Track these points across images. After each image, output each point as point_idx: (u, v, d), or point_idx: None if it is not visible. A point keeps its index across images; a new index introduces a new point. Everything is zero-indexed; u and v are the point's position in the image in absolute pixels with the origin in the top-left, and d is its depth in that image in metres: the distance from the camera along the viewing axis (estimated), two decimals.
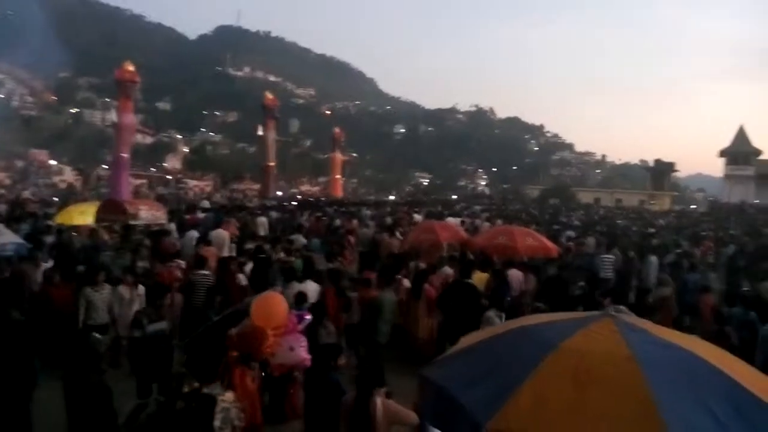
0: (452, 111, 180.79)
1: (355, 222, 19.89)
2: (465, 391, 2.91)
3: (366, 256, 13.88)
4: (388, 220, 21.80)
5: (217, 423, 5.03)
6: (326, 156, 68.37)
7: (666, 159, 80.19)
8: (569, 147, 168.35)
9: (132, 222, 14.91)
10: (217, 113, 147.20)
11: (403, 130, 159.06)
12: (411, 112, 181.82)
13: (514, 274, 10.78)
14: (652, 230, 25.34)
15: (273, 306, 5.89)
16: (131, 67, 31.96)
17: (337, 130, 58.30)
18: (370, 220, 21.82)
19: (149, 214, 15.79)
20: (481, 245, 12.94)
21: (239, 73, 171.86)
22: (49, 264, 9.83)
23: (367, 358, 7.17)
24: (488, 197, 67.63)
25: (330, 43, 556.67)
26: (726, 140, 65.22)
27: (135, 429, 6.42)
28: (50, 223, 15.75)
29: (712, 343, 3.57)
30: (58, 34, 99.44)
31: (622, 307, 8.34)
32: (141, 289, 8.70)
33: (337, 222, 19.95)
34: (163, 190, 46.54)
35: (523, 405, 2.66)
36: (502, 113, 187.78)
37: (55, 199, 32.10)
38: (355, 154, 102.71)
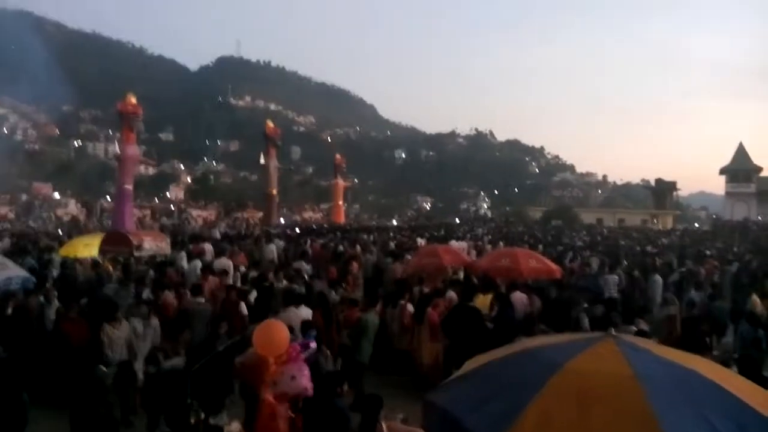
0: (452, 135, 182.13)
1: (358, 248, 19.91)
2: (470, 414, 2.92)
3: (370, 282, 13.89)
4: (391, 245, 21.81)
5: None
6: (328, 182, 68.55)
7: (667, 178, 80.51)
8: (570, 168, 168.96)
9: (136, 253, 14.96)
10: (219, 143, 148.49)
11: (404, 155, 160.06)
12: (411, 137, 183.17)
13: (518, 297, 10.77)
14: (655, 250, 25.30)
15: (274, 334, 5.88)
16: (133, 99, 32.23)
17: (338, 156, 58.51)
18: (373, 245, 21.83)
19: (153, 244, 15.84)
20: (484, 268, 12.93)
21: (240, 103, 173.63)
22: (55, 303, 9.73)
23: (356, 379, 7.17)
24: (491, 220, 67.56)
25: (329, 70, 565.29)
26: (726, 158, 65.44)
27: None
28: (54, 256, 15.79)
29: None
30: (60, 68, 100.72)
31: (632, 327, 8.39)
32: (155, 321, 8.57)
33: (341, 248, 19.97)
34: (167, 221, 46.54)
35: (529, 426, 2.67)
36: (501, 136, 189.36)
37: (60, 232, 32.15)
38: (356, 180, 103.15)
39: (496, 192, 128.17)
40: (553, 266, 13.00)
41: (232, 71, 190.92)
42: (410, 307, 10.10)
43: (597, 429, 2.61)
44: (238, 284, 12.39)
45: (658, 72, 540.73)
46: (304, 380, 6.03)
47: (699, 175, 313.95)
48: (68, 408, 5.89)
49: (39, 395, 7.05)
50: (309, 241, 22.56)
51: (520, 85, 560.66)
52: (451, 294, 10.72)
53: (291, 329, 6.69)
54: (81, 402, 5.77)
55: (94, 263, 14.03)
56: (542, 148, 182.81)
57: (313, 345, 6.93)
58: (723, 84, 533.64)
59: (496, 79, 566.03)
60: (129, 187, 31.99)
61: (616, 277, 14.18)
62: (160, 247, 16.08)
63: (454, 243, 20.73)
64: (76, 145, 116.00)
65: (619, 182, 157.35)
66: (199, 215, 59.39)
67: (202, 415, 5.56)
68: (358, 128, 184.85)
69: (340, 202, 57.00)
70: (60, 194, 76.27)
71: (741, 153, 64.33)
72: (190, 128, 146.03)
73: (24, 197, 71.51)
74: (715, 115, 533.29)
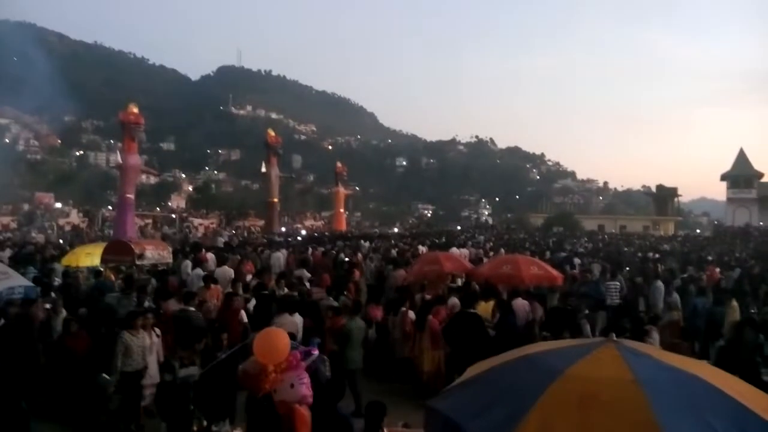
0: (453, 142, 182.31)
1: (359, 255, 19.91)
2: (472, 421, 2.92)
3: (372, 289, 13.88)
4: (393, 252, 21.82)
5: None
6: (329, 190, 68.68)
7: (668, 184, 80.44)
8: (571, 175, 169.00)
9: (138, 262, 14.98)
10: (220, 152, 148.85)
11: (404, 163, 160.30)
12: (412, 145, 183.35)
13: (520, 304, 10.75)
14: (657, 256, 25.28)
15: (275, 341, 5.87)
16: (135, 109, 32.39)
17: (339, 164, 58.69)
18: (373, 253, 21.84)
19: (155, 253, 15.88)
20: (485, 275, 12.92)
21: (241, 112, 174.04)
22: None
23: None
24: (492, 227, 67.54)
25: (330, 79, 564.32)
26: (727, 164, 65.49)
27: None
28: (56, 265, 15.80)
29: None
30: (62, 78, 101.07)
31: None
32: (158, 330, 8.42)
33: (342, 256, 19.98)
34: (168, 230, 46.55)
35: None
36: (502, 143, 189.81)
37: (61, 241, 32.17)
38: (357, 188, 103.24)
39: (497, 199, 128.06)
40: (555, 273, 13.00)
41: (233, 80, 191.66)
42: (412, 315, 10.10)
43: None
44: (247, 292, 12.35)
45: (658, 78, 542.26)
46: (304, 388, 6.00)
47: (700, 182, 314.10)
48: (71, 420, 5.87)
49: (42, 407, 7.02)
50: (310, 249, 22.59)
51: (520, 93, 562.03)
52: (454, 301, 10.72)
53: (293, 336, 6.69)
54: (83, 410, 5.76)
55: (96, 272, 14.03)
56: (543, 155, 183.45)
57: (316, 352, 6.92)
58: (723, 90, 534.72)
59: (496, 86, 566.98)
60: (131, 196, 32.09)
61: (618, 283, 14.16)
62: (162, 255, 16.12)
63: (455, 250, 20.73)
64: (78, 155, 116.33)
65: (620, 189, 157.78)
66: (200, 224, 59.35)
67: (205, 423, 5.56)
68: (359, 136, 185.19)
69: (342, 210, 57.11)
70: (62, 204, 76.36)
71: (742, 159, 64.42)
72: (192, 137, 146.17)
73: (26, 207, 71.58)
74: (716, 122, 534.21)
